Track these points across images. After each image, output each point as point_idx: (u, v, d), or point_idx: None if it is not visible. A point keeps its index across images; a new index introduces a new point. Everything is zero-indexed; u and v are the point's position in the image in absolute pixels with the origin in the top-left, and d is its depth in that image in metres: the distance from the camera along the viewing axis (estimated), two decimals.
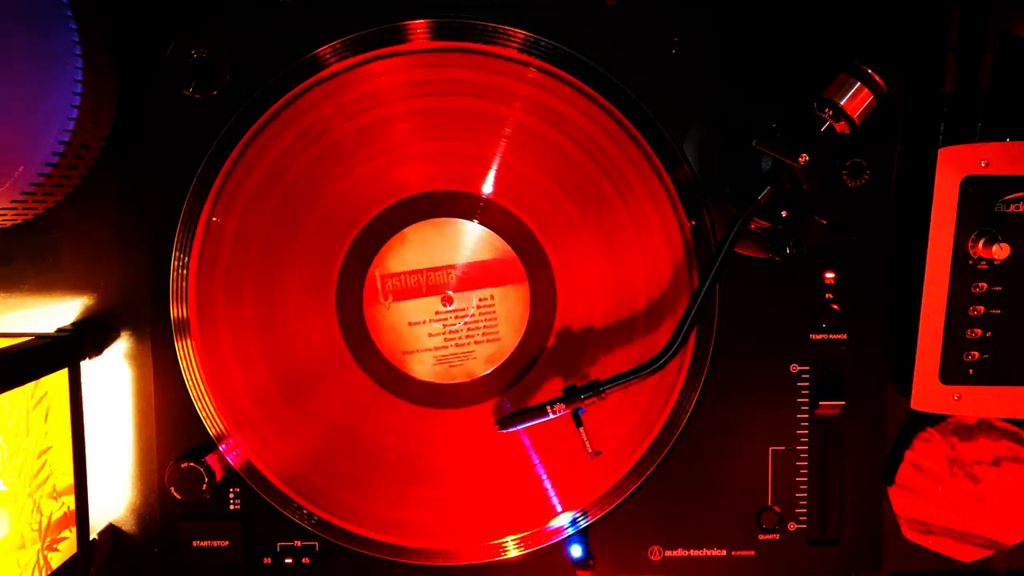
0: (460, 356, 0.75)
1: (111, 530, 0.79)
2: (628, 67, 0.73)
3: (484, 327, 0.75)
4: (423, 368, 0.75)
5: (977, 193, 0.71)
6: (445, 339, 0.75)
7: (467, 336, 0.75)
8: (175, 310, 0.74)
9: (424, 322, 0.75)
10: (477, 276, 0.75)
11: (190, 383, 0.75)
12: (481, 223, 0.74)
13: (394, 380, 0.76)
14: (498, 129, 0.74)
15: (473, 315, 0.75)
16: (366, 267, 0.74)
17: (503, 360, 0.76)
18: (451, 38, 0.73)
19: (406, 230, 0.74)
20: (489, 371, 0.76)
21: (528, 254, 0.75)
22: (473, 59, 0.73)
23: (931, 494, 0.80)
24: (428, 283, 0.75)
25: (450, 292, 0.75)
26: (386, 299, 0.75)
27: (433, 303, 0.75)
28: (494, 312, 0.75)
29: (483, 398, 0.76)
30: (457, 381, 0.76)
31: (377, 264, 0.74)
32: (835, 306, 0.76)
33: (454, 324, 0.75)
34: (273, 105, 0.72)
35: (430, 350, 0.75)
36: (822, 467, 0.78)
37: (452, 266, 0.74)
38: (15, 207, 0.68)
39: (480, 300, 0.75)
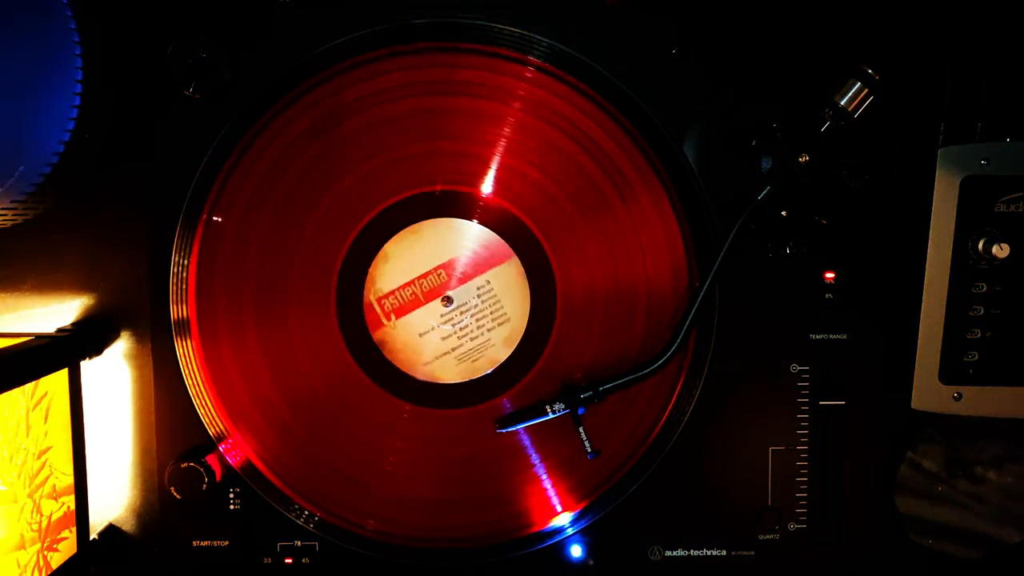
0: (479, 349, 0.75)
1: (111, 530, 0.79)
2: (628, 67, 0.73)
3: (491, 312, 0.75)
4: (448, 372, 0.75)
5: (977, 193, 0.71)
6: (458, 337, 0.75)
7: (478, 327, 0.75)
8: (175, 310, 0.74)
9: (433, 328, 0.75)
10: (474, 274, 0.75)
11: (190, 383, 0.75)
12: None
13: (393, 380, 0.76)
14: (498, 129, 0.74)
15: (477, 305, 0.75)
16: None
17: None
18: (451, 38, 0.73)
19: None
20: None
21: (528, 254, 0.75)
22: (473, 59, 0.73)
23: (931, 494, 0.80)
24: (424, 290, 0.75)
25: (449, 293, 0.75)
26: (388, 320, 0.75)
27: (435, 307, 0.75)
28: (498, 299, 0.75)
29: (483, 398, 0.76)
30: (483, 374, 0.76)
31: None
32: (835, 306, 0.76)
33: (461, 320, 0.75)
34: (273, 105, 0.72)
35: (448, 352, 0.75)
36: (822, 467, 0.78)
37: (450, 263, 0.74)
38: (15, 207, 0.68)
39: (479, 287, 0.75)
